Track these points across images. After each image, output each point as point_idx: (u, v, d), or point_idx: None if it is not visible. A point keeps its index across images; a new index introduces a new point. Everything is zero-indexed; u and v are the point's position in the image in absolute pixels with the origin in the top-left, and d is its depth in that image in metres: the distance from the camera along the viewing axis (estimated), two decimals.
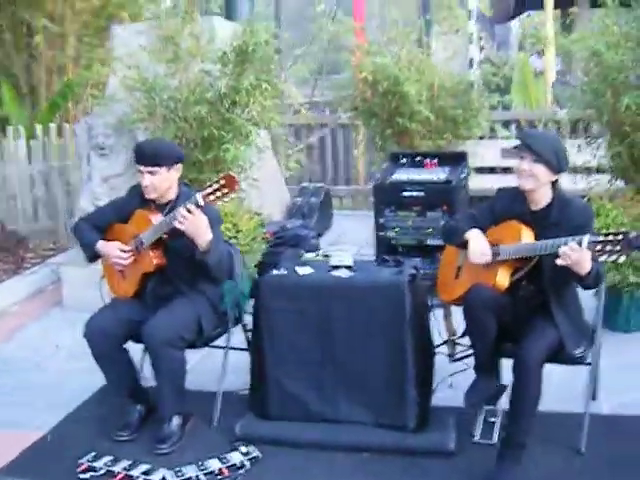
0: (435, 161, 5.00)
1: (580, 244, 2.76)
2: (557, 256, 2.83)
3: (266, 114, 4.58)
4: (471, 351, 3.31)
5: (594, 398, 3.42)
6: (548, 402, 3.06)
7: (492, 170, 6.80)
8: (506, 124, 7.05)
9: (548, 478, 2.99)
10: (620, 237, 2.68)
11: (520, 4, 11.11)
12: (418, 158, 5.06)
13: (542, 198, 3.08)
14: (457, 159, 5.03)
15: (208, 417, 3.56)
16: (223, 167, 4.58)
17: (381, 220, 4.95)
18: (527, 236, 3.05)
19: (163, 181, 3.42)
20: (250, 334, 3.73)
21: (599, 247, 2.73)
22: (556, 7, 10.13)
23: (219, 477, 3.10)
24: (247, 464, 3.17)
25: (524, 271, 3.09)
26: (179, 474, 3.11)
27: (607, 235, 2.73)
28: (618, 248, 2.68)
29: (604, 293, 3.31)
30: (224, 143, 4.50)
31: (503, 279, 3.07)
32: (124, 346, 3.49)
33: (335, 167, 7.78)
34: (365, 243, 6.34)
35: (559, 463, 3.07)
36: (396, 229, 4.91)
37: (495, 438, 3.23)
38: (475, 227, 3.19)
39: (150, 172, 3.38)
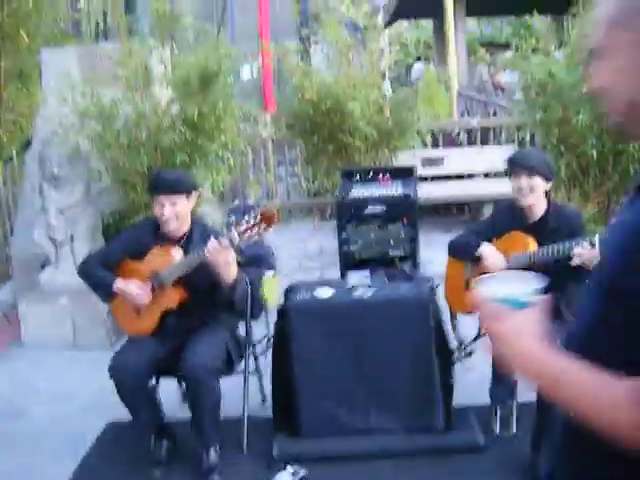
0: (387, 176, 5.25)
1: (593, 245, 3.12)
2: (566, 259, 3.19)
3: (232, 138, 4.63)
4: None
5: None
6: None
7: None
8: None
9: None
10: None
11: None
12: (371, 174, 5.28)
13: (538, 209, 3.44)
14: (407, 173, 5.30)
15: (233, 443, 3.61)
16: None
17: (344, 235, 5.12)
18: (533, 246, 3.39)
19: (184, 211, 3.40)
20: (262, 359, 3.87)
21: None
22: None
23: None
24: None
25: None
26: None
27: None
28: None
29: None
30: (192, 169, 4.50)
31: None
32: (150, 383, 3.46)
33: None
34: (304, 256, 6.54)
35: None
36: (359, 243, 5.12)
37: (514, 429, 3.54)
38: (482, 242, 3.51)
39: (172, 202, 3.35)
